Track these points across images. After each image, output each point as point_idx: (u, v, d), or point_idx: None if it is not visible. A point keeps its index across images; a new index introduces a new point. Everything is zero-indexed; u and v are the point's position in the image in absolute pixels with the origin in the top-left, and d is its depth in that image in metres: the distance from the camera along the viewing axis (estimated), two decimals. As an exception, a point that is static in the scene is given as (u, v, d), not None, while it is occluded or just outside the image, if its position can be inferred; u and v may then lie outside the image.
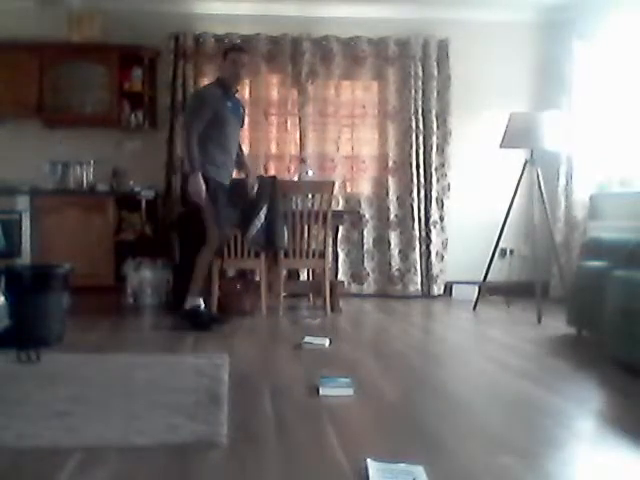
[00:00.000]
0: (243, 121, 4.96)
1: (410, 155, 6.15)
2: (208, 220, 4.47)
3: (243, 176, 4.97)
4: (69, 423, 2.44)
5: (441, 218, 6.23)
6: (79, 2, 5.80)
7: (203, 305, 4.59)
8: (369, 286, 6.21)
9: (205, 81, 6.09)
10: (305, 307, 5.55)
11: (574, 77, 5.87)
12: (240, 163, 4.91)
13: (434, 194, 6.20)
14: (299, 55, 6.06)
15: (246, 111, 5.16)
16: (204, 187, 4.38)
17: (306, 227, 5.01)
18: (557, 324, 4.70)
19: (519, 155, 5.64)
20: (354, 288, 6.18)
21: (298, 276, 5.93)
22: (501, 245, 5.55)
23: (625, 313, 3.43)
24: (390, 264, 6.19)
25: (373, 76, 6.22)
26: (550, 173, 5.87)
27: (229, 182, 4.69)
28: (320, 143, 6.12)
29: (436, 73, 6.18)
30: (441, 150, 6.24)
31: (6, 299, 3.42)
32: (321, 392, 2.90)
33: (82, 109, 5.84)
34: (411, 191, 6.15)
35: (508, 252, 6.19)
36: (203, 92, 4.76)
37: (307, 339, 4.00)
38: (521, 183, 5.35)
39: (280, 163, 6.13)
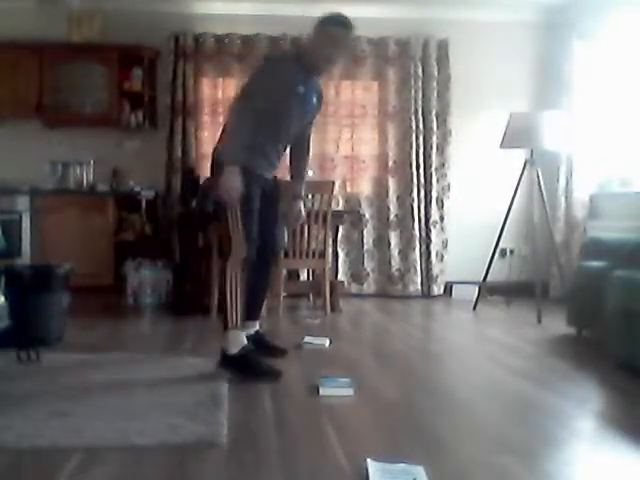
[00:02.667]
0: (314, 116, 3.62)
1: (410, 155, 6.15)
2: (236, 225, 3.20)
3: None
4: (69, 423, 2.44)
5: (441, 218, 6.23)
6: (79, 2, 5.80)
7: (257, 328, 3.56)
8: (369, 286, 6.21)
9: (205, 81, 6.13)
10: (305, 307, 5.55)
11: (574, 77, 5.87)
12: (296, 170, 3.77)
13: (434, 194, 6.20)
14: (299, 55, 6.05)
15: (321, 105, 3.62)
16: (240, 184, 3.11)
17: (306, 227, 5.01)
18: (557, 324, 4.70)
19: (519, 155, 5.65)
20: (354, 288, 6.18)
21: (298, 276, 5.93)
22: (501, 245, 5.55)
23: (625, 313, 3.43)
24: (390, 264, 6.19)
25: (373, 76, 6.22)
26: (550, 173, 5.87)
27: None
28: (320, 143, 6.11)
29: (436, 73, 6.18)
30: (441, 150, 6.24)
31: (6, 299, 3.42)
32: (321, 392, 2.89)
33: (82, 109, 5.84)
34: (411, 191, 6.15)
35: (508, 252, 6.20)
36: (278, 67, 3.31)
37: (307, 339, 4.00)
38: (521, 183, 5.35)
39: (280, 163, 6.11)
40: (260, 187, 3.31)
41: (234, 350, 3.17)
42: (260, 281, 3.48)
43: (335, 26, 3.30)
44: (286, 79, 3.25)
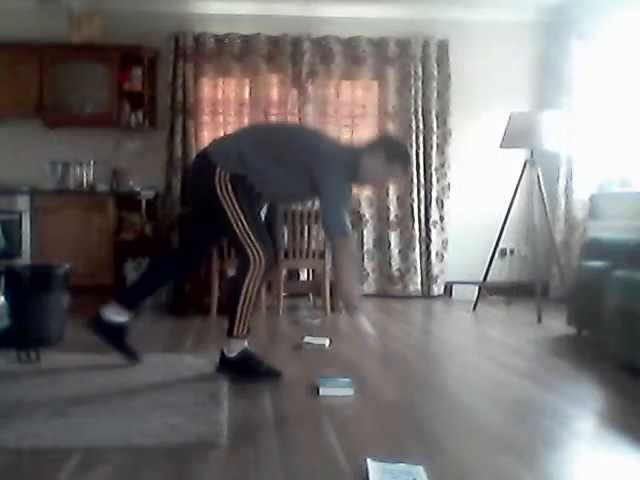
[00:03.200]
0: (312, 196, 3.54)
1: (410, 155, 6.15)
2: (248, 237, 3.08)
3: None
4: (69, 423, 2.44)
5: (441, 218, 6.23)
6: (79, 2, 5.80)
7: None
8: (369, 286, 6.21)
9: (205, 81, 6.13)
10: (305, 307, 5.55)
11: (574, 77, 5.87)
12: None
13: (434, 194, 6.20)
14: (299, 55, 6.06)
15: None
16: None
17: (306, 227, 5.01)
18: (557, 324, 4.70)
19: (519, 155, 5.65)
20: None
21: (298, 276, 5.93)
22: (501, 245, 5.55)
23: (625, 313, 3.43)
24: (390, 264, 6.19)
25: (373, 76, 6.22)
26: (550, 173, 5.87)
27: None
28: (320, 143, 6.11)
29: (436, 73, 6.18)
30: (441, 150, 6.24)
31: (6, 299, 3.42)
32: (321, 392, 2.89)
33: (82, 109, 5.84)
34: (411, 191, 6.15)
35: (508, 252, 6.20)
36: (343, 179, 3.13)
37: (307, 339, 4.00)
38: (521, 183, 5.35)
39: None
40: (249, 188, 3.15)
41: (234, 354, 3.18)
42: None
43: (401, 166, 3.24)
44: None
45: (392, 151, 3.19)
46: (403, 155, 3.25)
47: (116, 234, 5.70)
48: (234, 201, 3.08)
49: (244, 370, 3.15)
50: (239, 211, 3.08)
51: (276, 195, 3.40)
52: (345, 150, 3.33)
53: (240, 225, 3.07)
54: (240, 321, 3.13)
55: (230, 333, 3.16)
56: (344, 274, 3.10)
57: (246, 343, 3.22)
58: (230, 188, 3.08)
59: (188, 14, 6.04)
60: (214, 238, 3.61)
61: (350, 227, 3.09)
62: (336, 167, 3.09)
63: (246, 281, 3.09)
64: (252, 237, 3.08)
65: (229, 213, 3.08)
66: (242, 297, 3.10)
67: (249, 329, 3.18)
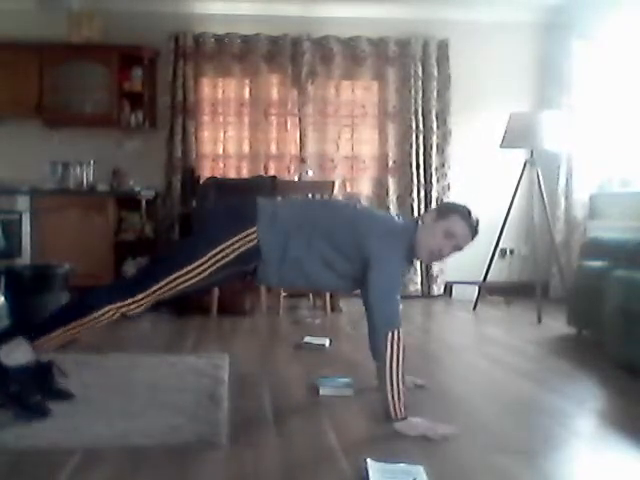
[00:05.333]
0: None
1: (410, 155, 6.15)
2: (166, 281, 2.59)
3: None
4: (69, 423, 2.43)
5: (441, 218, 6.22)
6: (79, 2, 5.80)
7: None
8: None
9: (205, 81, 6.12)
10: (305, 307, 5.55)
11: (574, 77, 5.87)
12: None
13: (434, 194, 6.20)
14: (299, 55, 6.06)
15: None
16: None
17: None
18: (557, 324, 4.70)
19: (519, 155, 5.65)
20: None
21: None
22: (501, 245, 5.55)
23: (625, 313, 3.43)
24: (390, 264, 6.17)
25: (373, 76, 6.21)
26: (550, 173, 5.87)
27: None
28: (320, 143, 6.12)
29: (436, 73, 6.18)
30: (441, 150, 6.23)
31: (6, 299, 3.42)
32: (321, 392, 2.90)
33: (82, 109, 5.84)
34: (411, 191, 6.15)
35: (508, 252, 6.20)
36: (399, 260, 2.68)
37: (307, 339, 4.00)
38: (521, 183, 5.35)
39: (280, 163, 6.13)
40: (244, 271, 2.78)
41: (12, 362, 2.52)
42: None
43: (459, 217, 2.74)
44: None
45: (444, 207, 2.90)
46: (457, 207, 2.81)
47: (116, 234, 5.70)
48: (217, 261, 2.60)
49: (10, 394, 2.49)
50: (205, 268, 2.59)
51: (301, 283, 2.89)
52: (399, 225, 2.77)
53: (183, 271, 2.57)
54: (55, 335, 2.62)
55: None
56: (395, 380, 2.47)
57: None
58: (233, 254, 2.61)
59: (188, 14, 6.04)
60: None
61: (401, 318, 2.57)
62: (392, 246, 2.62)
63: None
64: (163, 283, 2.58)
65: (196, 255, 2.58)
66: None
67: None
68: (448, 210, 2.77)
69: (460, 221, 2.70)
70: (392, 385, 2.46)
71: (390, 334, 2.50)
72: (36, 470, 2.06)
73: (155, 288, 2.58)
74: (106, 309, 2.57)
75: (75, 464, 2.07)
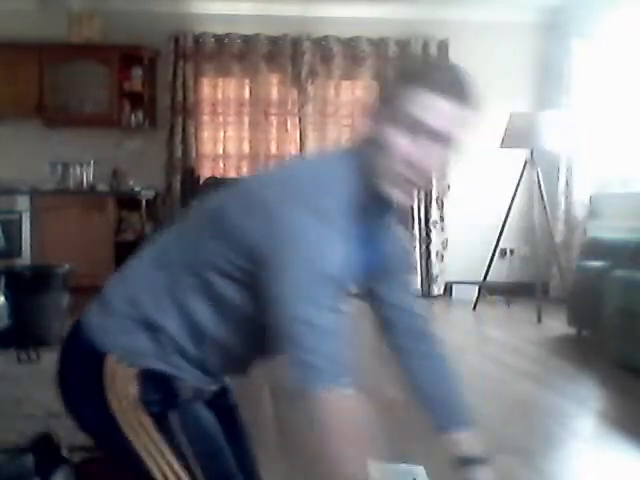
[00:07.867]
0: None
1: (410, 155, 6.15)
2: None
3: None
4: (69, 423, 2.43)
5: (441, 218, 6.23)
6: (79, 2, 5.81)
7: None
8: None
9: (205, 81, 6.12)
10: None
11: (574, 77, 5.87)
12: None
13: (434, 194, 6.20)
14: (299, 55, 6.06)
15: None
16: None
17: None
18: (557, 324, 4.70)
19: (519, 155, 5.64)
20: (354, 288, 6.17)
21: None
22: (501, 245, 5.55)
23: (625, 313, 3.43)
24: (390, 264, 6.18)
25: (373, 76, 6.22)
26: (550, 173, 5.87)
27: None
28: (320, 143, 6.11)
29: (436, 73, 6.18)
30: (441, 150, 6.23)
31: (6, 299, 3.42)
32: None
33: (82, 109, 5.84)
34: (411, 191, 6.14)
35: (508, 252, 6.19)
36: (331, 241, 1.21)
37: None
38: (521, 183, 5.35)
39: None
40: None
41: None
42: None
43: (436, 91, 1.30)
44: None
45: (405, 72, 1.40)
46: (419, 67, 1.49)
47: (116, 234, 5.70)
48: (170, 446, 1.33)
49: None
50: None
51: None
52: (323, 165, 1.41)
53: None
54: None
55: None
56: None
57: None
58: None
59: (188, 14, 6.04)
60: None
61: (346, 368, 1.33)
62: (310, 197, 1.24)
63: None
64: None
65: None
66: None
67: None
68: (408, 73, 1.36)
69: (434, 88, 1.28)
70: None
71: (316, 393, 1.22)
72: (36, 470, 2.05)
73: None
74: None
75: (74, 464, 2.06)
